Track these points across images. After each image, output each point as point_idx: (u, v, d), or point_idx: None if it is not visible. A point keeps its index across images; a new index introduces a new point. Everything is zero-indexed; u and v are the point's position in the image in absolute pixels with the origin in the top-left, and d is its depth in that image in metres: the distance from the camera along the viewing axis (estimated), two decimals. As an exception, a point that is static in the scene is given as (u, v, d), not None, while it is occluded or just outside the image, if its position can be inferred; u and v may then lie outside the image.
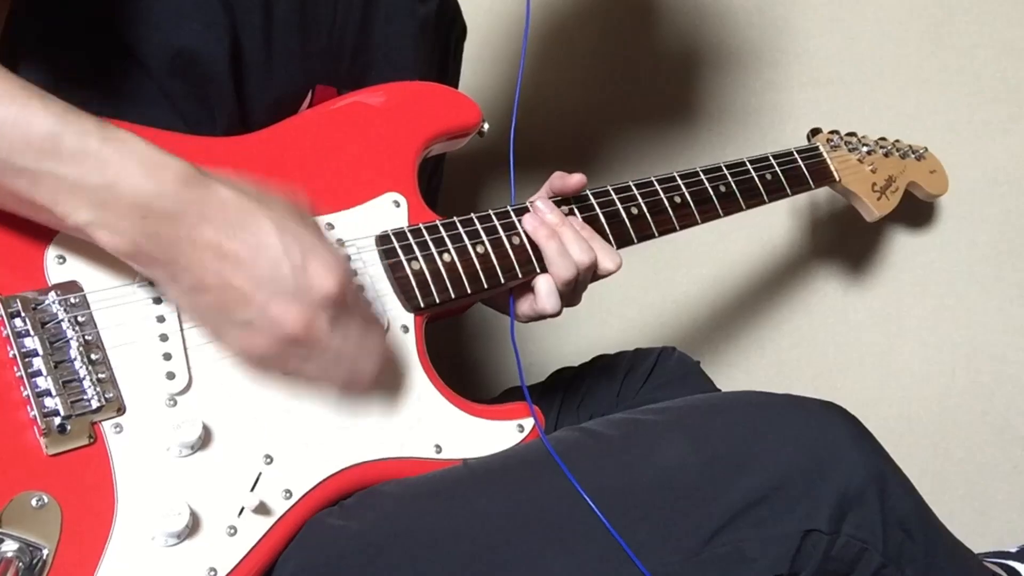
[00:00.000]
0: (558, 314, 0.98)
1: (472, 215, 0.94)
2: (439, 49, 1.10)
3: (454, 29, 1.13)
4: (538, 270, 0.96)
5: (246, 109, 0.91)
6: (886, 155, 1.35)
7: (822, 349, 1.57)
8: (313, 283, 0.70)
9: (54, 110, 0.66)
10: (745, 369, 1.57)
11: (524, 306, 0.98)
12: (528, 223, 0.96)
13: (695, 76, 1.61)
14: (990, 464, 1.52)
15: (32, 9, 0.84)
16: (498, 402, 0.94)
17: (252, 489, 0.76)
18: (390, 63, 1.00)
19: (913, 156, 1.39)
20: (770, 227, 1.60)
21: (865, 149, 1.32)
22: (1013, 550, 1.15)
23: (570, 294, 0.98)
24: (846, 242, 1.58)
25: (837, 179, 1.25)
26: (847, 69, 1.59)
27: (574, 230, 0.96)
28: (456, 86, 1.14)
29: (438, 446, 0.86)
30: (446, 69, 1.12)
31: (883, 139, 1.37)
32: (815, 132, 1.30)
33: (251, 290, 0.69)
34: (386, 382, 0.86)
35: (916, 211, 1.57)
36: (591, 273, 0.98)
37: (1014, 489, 1.50)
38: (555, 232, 0.95)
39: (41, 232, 0.74)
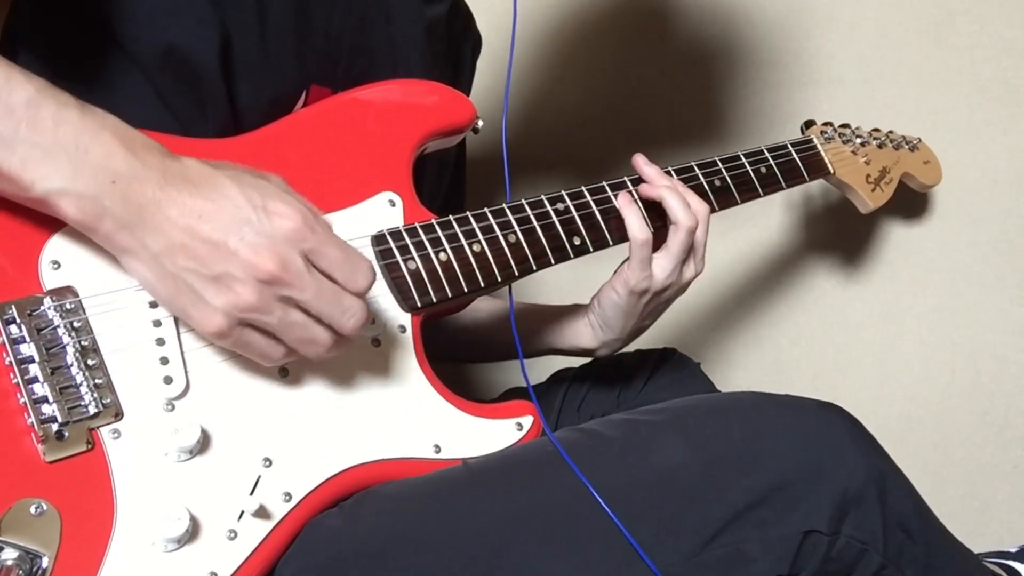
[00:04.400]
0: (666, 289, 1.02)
1: (468, 213, 0.93)
2: (452, 55, 1.10)
3: (468, 37, 1.13)
4: (535, 268, 0.96)
5: (238, 108, 0.90)
6: (880, 146, 1.34)
7: (822, 349, 1.57)
8: (276, 221, 0.71)
9: (36, 83, 0.69)
10: (745, 369, 1.57)
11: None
12: (649, 189, 1.01)
13: (695, 76, 1.61)
14: (990, 464, 1.52)
15: (30, 6, 0.84)
16: (497, 402, 0.94)
17: (251, 492, 0.76)
18: (391, 64, 1.00)
19: (907, 147, 1.39)
20: (769, 227, 1.60)
21: (859, 141, 1.31)
22: (1013, 550, 1.15)
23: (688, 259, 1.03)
24: (847, 242, 1.58)
25: (831, 171, 1.24)
26: (847, 69, 1.59)
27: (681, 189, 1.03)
28: (468, 95, 1.13)
29: (437, 446, 0.86)
30: (459, 76, 1.12)
31: (876, 130, 1.36)
32: (809, 124, 1.29)
33: (220, 238, 0.70)
34: (384, 382, 0.86)
35: (916, 211, 1.57)
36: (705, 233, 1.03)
37: (1014, 489, 1.50)
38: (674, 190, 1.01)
39: (35, 237, 0.74)
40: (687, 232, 1.00)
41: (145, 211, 0.70)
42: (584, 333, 1.09)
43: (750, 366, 1.58)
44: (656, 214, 1.02)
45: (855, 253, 1.58)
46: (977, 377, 1.54)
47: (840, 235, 1.58)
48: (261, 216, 0.71)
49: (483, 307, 1.18)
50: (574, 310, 1.11)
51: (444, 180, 1.15)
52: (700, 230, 1.02)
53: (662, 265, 1.01)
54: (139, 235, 0.71)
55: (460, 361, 1.34)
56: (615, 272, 1.04)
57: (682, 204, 1.00)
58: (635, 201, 1.02)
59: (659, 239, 1.01)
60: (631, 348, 1.22)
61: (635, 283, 1.00)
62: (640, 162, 1.04)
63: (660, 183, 1.02)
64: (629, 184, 1.03)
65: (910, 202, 1.53)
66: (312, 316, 0.74)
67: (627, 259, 1.01)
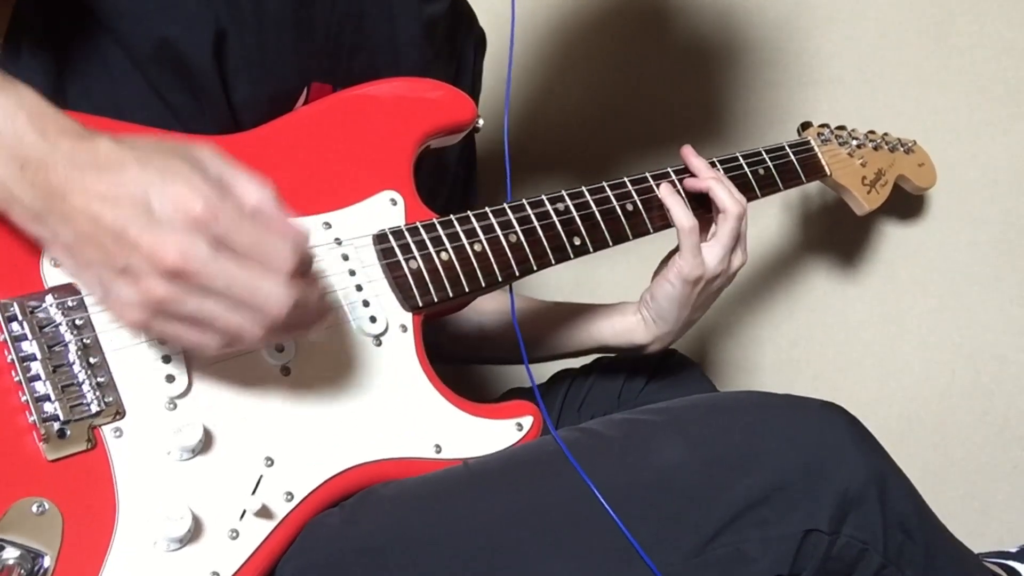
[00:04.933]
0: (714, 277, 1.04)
1: (469, 213, 0.94)
2: (454, 54, 1.09)
3: (471, 36, 1.12)
4: (535, 268, 0.96)
5: (235, 104, 0.90)
6: (875, 148, 1.34)
7: (822, 349, 1.57)
8: (177, 206, 0.66)
9: None
10: (745, 369, 1.57)
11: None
12: (696, 182, 1.05)
13: (695, 76, 1.61)
14: (990, 464, 1.52)
15: (31, 5, 0.84)
16: (498, 402, 0.94)
17: (253, 492, 0.76)
18: (390, 62, 1.00)
19: (902, 149, 1.39)
20: (769, 228, 1.60)
21: (855, 143, 1.31)
22: (1013, 550, 1.15)
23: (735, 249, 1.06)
24: (847, 243, 1.58)
25: (828, 173, 1.25)
26: (847, 69, 1.59)
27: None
28: (475, 96, 1.13)
29: (438, 446, 0.86)
30: (461, 75, 1.12)
31: (872, 132, 1.36)
32: (805, 126, 1.30)
33: (122, 227, 0.66)
34: (386, 382, 0.86)
35: (916, 212, 1.57)
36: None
37: (1014, 489, 1.50)
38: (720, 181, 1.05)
39: (38, 235, 0.74)
40: (736, 219, 1.04)
41: (53, 199, 0.67)
42: (638, 329, 1.11)
43: (750, 367, 1.58)
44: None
45: (855, 253, 1.58)
46: (977, 377, 1.54)
47: (840, 236, 1.58)
48: (162, 201, 0.66)
49: (492, 307, 1.18)
50: (622, 307, 1.13)
51: (444, 180, 1.15)
52: (744, 219, 1.05)
53: (714, 252, 1.04)
54: (51, 224, 0.68)
55: (467, 363, 1.34)
56: (662, 267, 1.07)
57: (728, 193, 1.04)
58: (677, 191, 1.05)
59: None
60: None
61: (688, 271, 1.03)
62: (688, 153, 1.08)
63: (707, 175, 1.06)
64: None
65: (910, 203, 1.53)
66: (235, 303, 0.68)
67: (675, 250, 1.04)
